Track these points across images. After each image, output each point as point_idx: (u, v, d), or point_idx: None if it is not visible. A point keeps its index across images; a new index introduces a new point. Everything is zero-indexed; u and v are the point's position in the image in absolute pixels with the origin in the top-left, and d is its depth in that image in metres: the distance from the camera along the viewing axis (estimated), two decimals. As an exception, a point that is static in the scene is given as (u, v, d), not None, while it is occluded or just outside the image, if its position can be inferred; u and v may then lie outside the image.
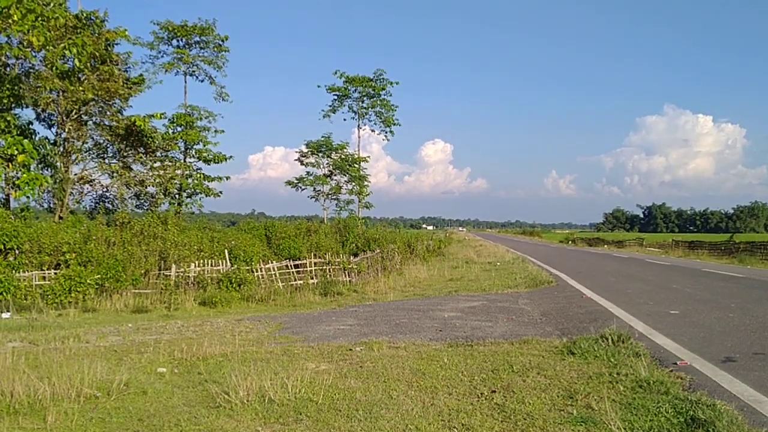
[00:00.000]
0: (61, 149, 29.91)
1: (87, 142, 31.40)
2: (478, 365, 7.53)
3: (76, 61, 23.63)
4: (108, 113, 31.04)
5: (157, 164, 34.00)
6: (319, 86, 49.64)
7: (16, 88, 24.44)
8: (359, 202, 49.02)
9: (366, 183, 49.55)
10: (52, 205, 30.14)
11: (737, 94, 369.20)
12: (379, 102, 48.85)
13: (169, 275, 21.05)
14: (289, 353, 8.68)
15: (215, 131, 37.11)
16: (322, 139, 48.12)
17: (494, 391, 6.33)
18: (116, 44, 30.18)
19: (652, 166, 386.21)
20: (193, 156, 36.64)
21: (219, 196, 37.23)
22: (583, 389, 6.24)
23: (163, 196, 34.24)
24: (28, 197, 22.66)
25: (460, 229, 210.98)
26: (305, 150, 48.65)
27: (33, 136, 28.24)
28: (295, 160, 49.45)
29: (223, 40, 37.44)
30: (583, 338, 8.57)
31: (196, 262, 21.99)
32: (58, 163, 29.56)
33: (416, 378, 6.96)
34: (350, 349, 8.81)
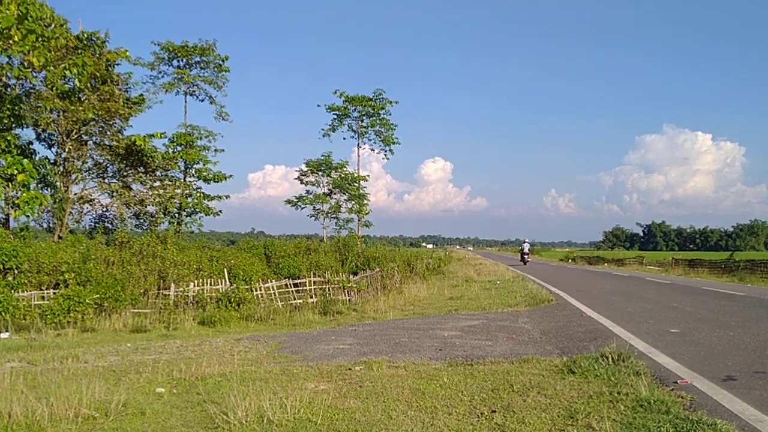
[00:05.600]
0: (61, 169, 29.99)
1: (87, 162, 31.51)
2: (478, 385, 7.49)
3: (77, 82, 23.75)
4: (108, 133, 31.17)
5: (157, 184, 34.07)
6: (318, 105, 49.90)
7: (16, 108, 24.55)
8: (359, 220, 49.02)
9: (366, 201, 49.57)
10: (51, 225, 30.16)
11: (736, 112, 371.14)
12: (378, 121, 48.98)
13: (168, 295, 21.02)
14: (288, 373, 8.65)
15: (215, 150, 37.24)
16: (322, 157, 48.22)
17: (494, 411, 6.30)
18: (117, 64, 30.38)
19: (652, 185, 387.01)
20: (193, 175, 36.72)
21: (218, 215, 37.25)
22: (583, 409, 6.21)
23: (162, 216, 34.26)
24: (27, 217, 22.69)
25: (458, 247, 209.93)
26: (305, 169, 48.75)
27: (33, 156, 28.34)
28: (295, 179, 49.55)
29: (223, 60, 37.67)
30: (584, 357, 8.54)
31: (196, 282, 21.96)
32: (57, 183, 29.62)
33: (416, 398, 6.93)
34: (350, 369, 8.78)
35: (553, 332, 12.32)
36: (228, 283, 22.40)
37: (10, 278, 19.84)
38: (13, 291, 18.65)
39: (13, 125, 25.46)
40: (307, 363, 9.50)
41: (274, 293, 22.66)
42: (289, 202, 49.39)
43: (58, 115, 28.48)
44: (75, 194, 30.89)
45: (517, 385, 7.35)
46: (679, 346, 9.97)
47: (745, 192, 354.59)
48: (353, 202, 48.80)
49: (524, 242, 57.38)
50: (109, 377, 8.73)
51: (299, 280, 24.36)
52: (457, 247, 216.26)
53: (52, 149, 30.69)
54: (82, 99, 27.93)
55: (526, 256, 52.99)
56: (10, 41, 19.48)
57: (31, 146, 28.96)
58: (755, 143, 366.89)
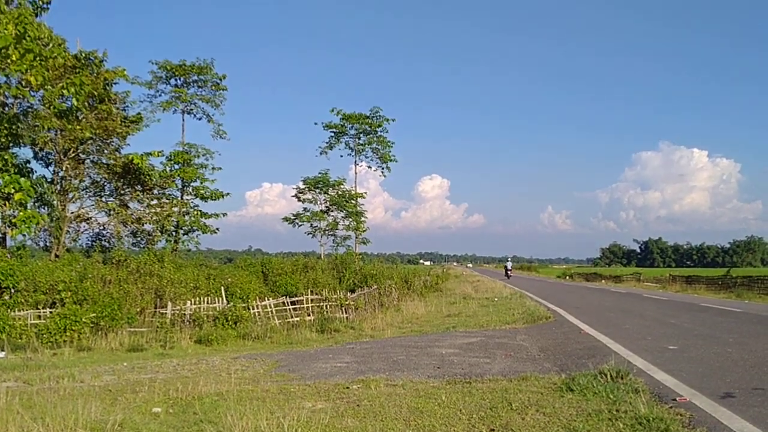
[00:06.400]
0: (59, 188, 29.97)
1: (84, 181, 31.48)
2: (476, 403, 7.46)
3: (75, 101, 23.81)
4: (106, 151, 31.19)
5: (154, 202, 34.06)
6: (316, 123, 50.04)
7: (14, 127, 24.59)
8: (356, 237, 49.06)
9: (363, 219, 49.66)
10: (48, 244, 30.08)
11: (732, 128, 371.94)
12: (375, 138, 49.21)
13: (165, 313, 20.94)
14: (286, 392, 8.60)
15: (212, 168, 37.37)
16: (320, 175, 48.34)
17: (493, 430, 6.27)
18: (115, 83, 30.44)
19: (648, 201, 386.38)
20: (191, 193, 36.78)
21: (216, 233, 37.28)
22: (582, 427, 6.19)
23: (159, 234, 34.23)
24: (24, 235, 22.65)
25: (455, 264, 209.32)
26: (302, 186, 48.83)
27: (30, 175, 28.31)
28: (293, 196, 49.65)
29: (220, 79, 37.88)
30: (582, 374, 8.51)
31: (192, 300, 21.90)
32: (55, 202, 29.58)
33: (414, 417, 6.89)
34: (347, 387, 8.74)
35: (552, 349, 12.29)
36: (225, 301, 22.34)
37: (7, 297, 19.79)
38: (9, 310, 18.59)
39: (11, 144, 25.50)
40: (304, 382, 9.46)
41: (271, 311, 22.60)
42: (286, 219, 49.48)
43: (56, 134, 28.50)
44: (72, 213, 30.85)
45: (516, 403, 7.32)
46: (678, 363, 9.95)
47: (741, 208, 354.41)
48: (350, 220, 48.86)
49: (508, 260, 76.03)
50: (105, 397, 8.68)
51: (296, 298, 24.29)
52: (455, 264, 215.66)
53: (50, 168, 30.72)
54: (80, 118, 27.96)
55: (509, 271, 67.86)
56: (8, 60, 19.58)
57: (28, 165, 28.97)
58: (751, 160, 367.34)
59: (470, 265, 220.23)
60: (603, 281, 60.29)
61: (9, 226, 24.95)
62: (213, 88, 38.09)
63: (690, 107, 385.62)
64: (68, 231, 30.57)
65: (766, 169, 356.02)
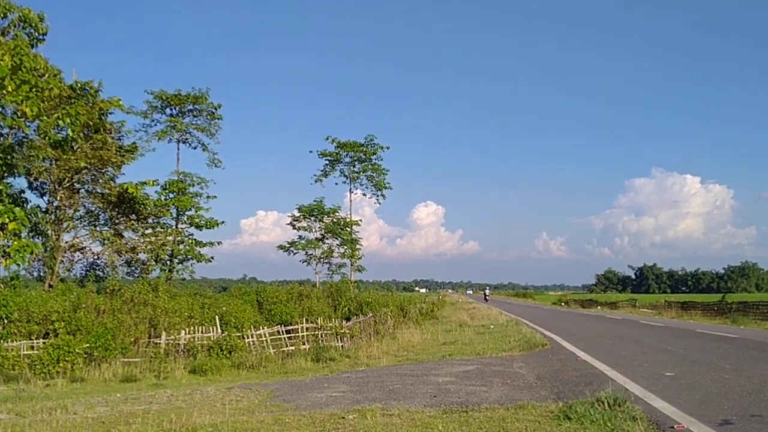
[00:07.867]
0: (53, 217, 29.94)
1: (79, 210, 31.46)
2: (473, 432, 7.41)
3: (70, 131, 23.87)
4: (100, 181, 31.21)
5: (149, 231, 34.00)
6: (311, 151, 50.22)
7: (9, 157, 24.61)
8: (351, 265, 48.94)
9: (358, 246, 49.62)
10: (42, 274, 29.95)
11: (724, 154, 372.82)
12: (370, 166, 49.39)
13: (159, 343, 20.81)
14: (281, 423, 8.53)
15: (207, 197, 37.32)
16: (315, 203, 48.43)
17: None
18: (110, 113, 30.56)
19: (642, 228, 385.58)
20: (185, 222, 36.70)
21: (210, 261, 37.18)
22: (580, 455, 6.15)
23: (154, 263, 34.09)
24: (18, 265, 22.49)
25: (450, 291, 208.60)
26: (297, 214, 48.87)
27: (25, 205, 28.30)
28: (288, 224, 49.66)
29: (216, 108, 38.03)
30: (579, 402, 8.47)
31: (187, 329, 21.77)
32: (49, 231, 29.53)
33: (410, 446, 6.84)
34: (343, 417, 8.67)
35: (548, 377, 12.24)
36: (219, 330, 22.22)
37: (0, 328, 19.63)
38: (2, 341, 18.44)
39: (6, 174, 25.50)
40: (299, 412, 9.38)
41: (266, 340, 22.48)
42: (281, 247, 49.42)
43: (51, 164, 28.54)
44: (66, 242, 30.77)
45: (513, 432, 7.28)
46: (675, 390, 9.92)
47: (735, 234, 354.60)
48: (346, 247, 48.81)
49: (486, 288, 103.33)
50: (99, 429, 8.60)
51: (291, 327, 24.17)
52: (450, 291, 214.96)
53: (44, 198, 30.70)
54: (75, 148, 28.03)
55: (487, 296, 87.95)
56: (4, 91, 19.66)
57: (23, 195, 29.00)
58: (743, 186, 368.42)
59: (470, 291, 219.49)
60: (599, 308, 60.24)
61: (3, 256, 24.85)
62: (208, 117, 38.24)
63: (682, 133, 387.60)
64: (62, 261, 30.46)
65: (759, 194, 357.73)
